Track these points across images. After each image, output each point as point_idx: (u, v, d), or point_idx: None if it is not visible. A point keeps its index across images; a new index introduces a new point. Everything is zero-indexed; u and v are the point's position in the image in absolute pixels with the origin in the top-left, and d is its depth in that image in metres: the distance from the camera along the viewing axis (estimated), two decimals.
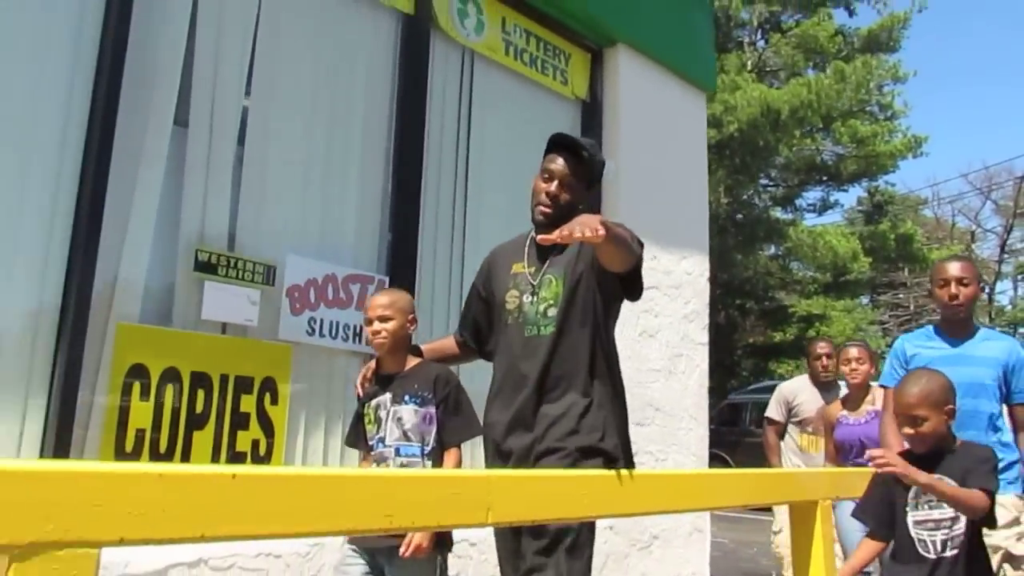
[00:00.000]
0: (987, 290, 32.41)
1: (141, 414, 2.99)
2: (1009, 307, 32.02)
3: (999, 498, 2.85)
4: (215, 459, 3.16)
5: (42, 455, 2.73)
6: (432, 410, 2.74)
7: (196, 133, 3.29)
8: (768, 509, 5.20)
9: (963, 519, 2.49)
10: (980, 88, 53.75)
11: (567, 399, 2.37)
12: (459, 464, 2.76)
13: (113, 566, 2.59)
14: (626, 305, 5.03)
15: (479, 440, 2.65)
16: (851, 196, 31.74)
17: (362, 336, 3.67)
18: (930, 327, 3.63)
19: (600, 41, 5.11)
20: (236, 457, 3.23)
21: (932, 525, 2.54)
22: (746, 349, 24.03)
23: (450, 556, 2.80)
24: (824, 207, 24.32)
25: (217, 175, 3.33)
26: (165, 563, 2.77)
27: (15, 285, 2.80)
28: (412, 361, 2.82)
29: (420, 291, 3.99)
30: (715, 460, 11.37)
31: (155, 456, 3.00)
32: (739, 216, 20.94)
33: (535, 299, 2.48)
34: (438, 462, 2.73)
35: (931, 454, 2.56)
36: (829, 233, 19.58)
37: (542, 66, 4.83)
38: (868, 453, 2.66)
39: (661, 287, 5.21)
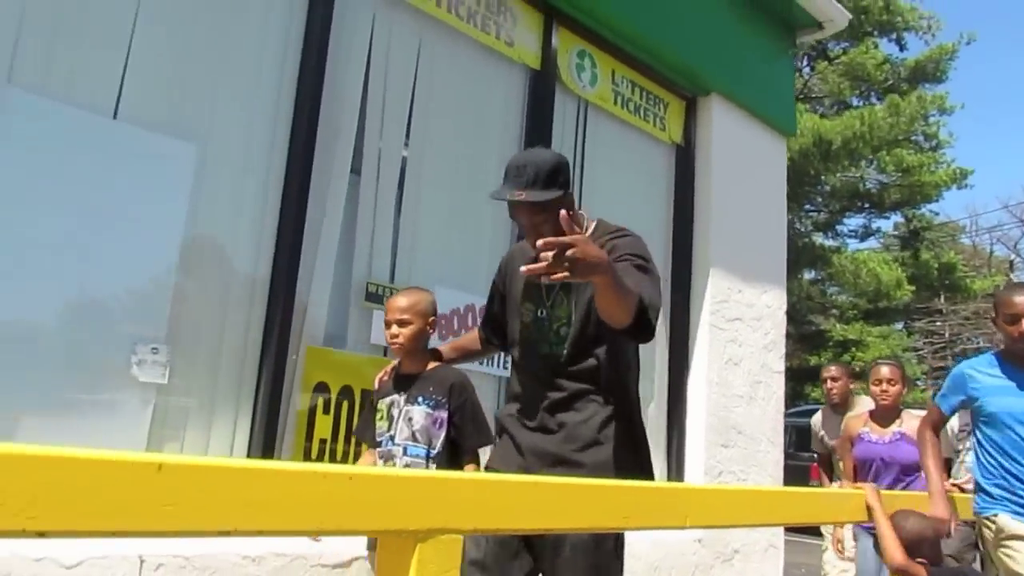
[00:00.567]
0: None
1: (323, 426, 3.44)
2: None
3: None
4: None
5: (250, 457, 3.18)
6: (443, 414, 2.75)
7: (366, 180, 3.75)
8: (815, 531, 5.46)
9: None
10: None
11: (587, 410, 2.33)
12: (479, 468, 2.73)
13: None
14: (714, 335, 5.41)
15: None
16: (891, 223, 31.89)
17: (498, 360, 4.10)
18: (992, 355, 3.55)
19: (695, 90, 5.54)
20: None
21: None
22: (784, 373, 24.13)
23: None
24: (866, 234, 24.49)
25: (382, 217, 3.78)
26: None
27: (231, 307, 3.26)
28: (431, 364, 2.82)
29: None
30: None
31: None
32: None
33: (549, 316, 2.43)
34: (443, 466, 2.72)
35: None
36: (873, 260, 19.76)
37: (644, 113, 5.26)
38: None
39: (744, 319, 5.60)
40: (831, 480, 5.28)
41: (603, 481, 1.85)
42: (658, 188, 5.41)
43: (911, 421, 4.20)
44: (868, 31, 21.50)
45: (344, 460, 3.49)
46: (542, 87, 4.55)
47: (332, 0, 3.58)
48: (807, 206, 22.62)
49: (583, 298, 2.35)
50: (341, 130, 3.64)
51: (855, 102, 22.10)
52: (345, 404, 3.51)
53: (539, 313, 2.44)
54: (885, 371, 4.35)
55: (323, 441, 3.43)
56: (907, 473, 4.15)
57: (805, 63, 23.64)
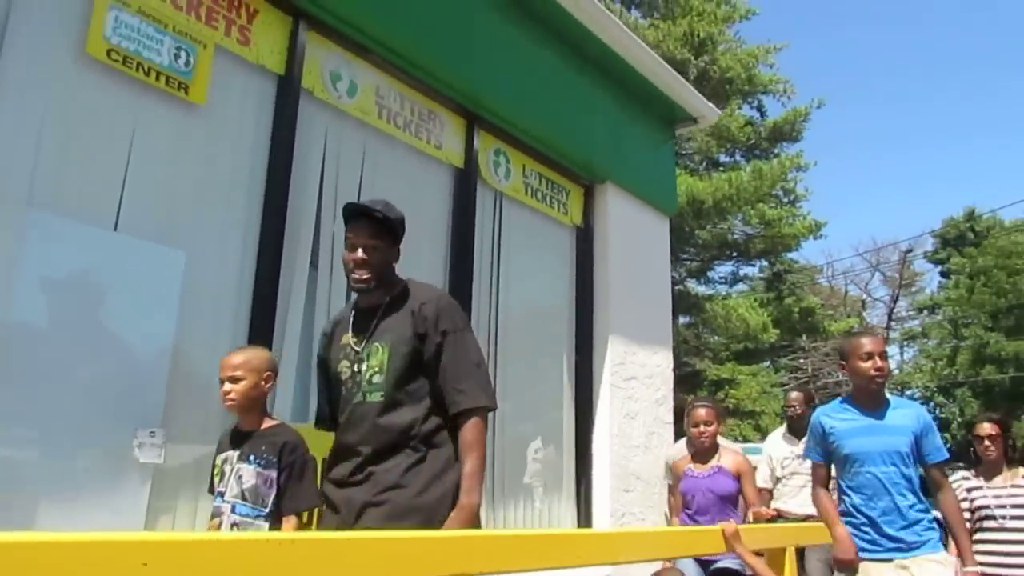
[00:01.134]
0: None
1: None
2: (896, 371, 34.61)
3: (936, 556, 3.35)
4: None
5: None
6: (274, 474, 2.71)
7: (322, 273, 4.28)
8: None
9: None
10: (873, 172, 58.48)
11: (395, 460, 2.41)
12: (297, 530, 2.71)
13: None
14: (614, 393, 6.14)
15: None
16: (756, 268, 34.26)
17: None
18: (840, 400, 3.72)
19: (592, 179, 6.33)
20: None
21: None
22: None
23: None
24: (735, 280, 26.34)
25: (336, 304, 4.31)
26: None
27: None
28: (269, 422, 2.84)
29: None
30: None
31: None
32: None
33: (363, 367, 2.52)
34: (275, 525, 2.70)
35: None
36: (741, 306, 21.31)
37: (549, 201, 5.99)
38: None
39: (639, 377, 6.37)
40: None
41: (392, 533, 1.89)
42: (562, 266, 6.14)
43: (728, 456, 4.69)
44: (732, 96, 23.39)
45: None
46: (465, 183, 5.20)
47: (294, 119, 4.13)
48: (682, 256, 24.18)
49: (398, 351, 2.49)
50: (301, 230, 4.17)
51: (722, 159, 23.95)
52: None
53: (354, 368, 2.56)
54: (702, 414, 4.69)
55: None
56: (727, 503, 4.56)
57: None
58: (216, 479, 2.82)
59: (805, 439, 4.32)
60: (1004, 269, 27.65)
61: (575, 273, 6.18)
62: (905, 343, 36.62)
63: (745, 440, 19.07)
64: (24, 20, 3.18)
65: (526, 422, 5.55)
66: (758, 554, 3.06)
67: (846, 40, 57.50)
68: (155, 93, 3.58)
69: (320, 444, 2.89)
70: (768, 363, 31.50)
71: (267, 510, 2.70)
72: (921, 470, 3.57)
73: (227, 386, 2.80)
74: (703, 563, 4.38)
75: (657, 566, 3.81)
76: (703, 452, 4.69)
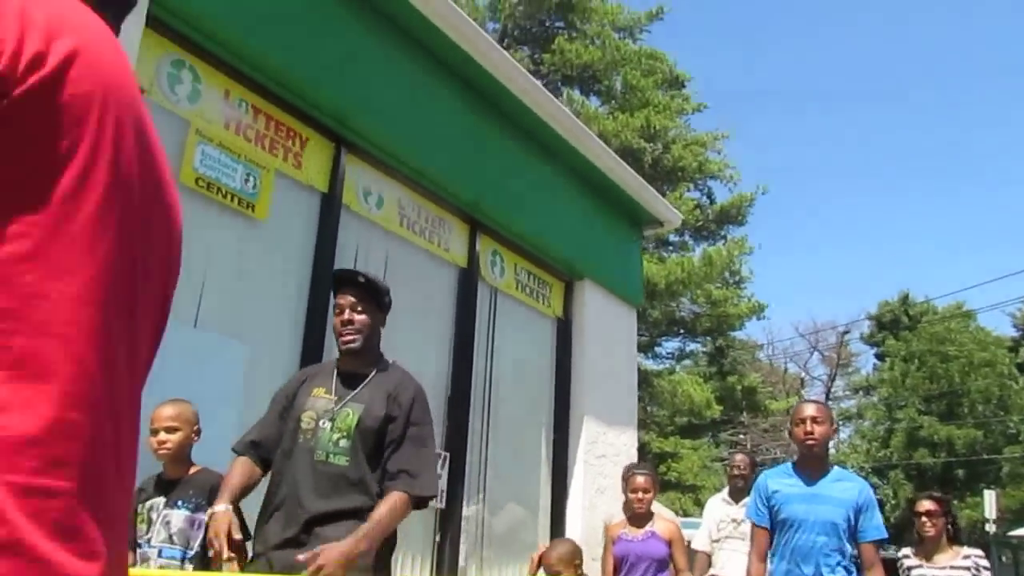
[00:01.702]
0: None
1: None
2: (833, 451, 35.56)
3: None
4: None
5: None
6: (202, 516, 2.76)
7: None
8: None
9: None
10: (814, 253, 61.24)
11: (346, 525, 2.43)
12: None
13: None
14: (587, 469, 6.79)
15: None
16: (701, 344, 35.47)
17: None
18: (789, 465, 3.77)
19: (572, 275, 7.13)
20: None
21: None
22: None
23: None
24: (682, 356, 27.35)
25: None
26: None
27: None
28: (193, 468, 2.96)
29: (472, 463, 5.67)
30: None
31: None
32: None
33: (327, 426, 2.55)
34: (199, 567, 2.77)
35: None
36: (687, 382, 22.22)
37: (535, 295, 6.76)
38: None
39: (608, 455, 7.08)
40: None
41: None
42: (545, 352, 6.88)
43: (661, 522, 4.80)
44: (680, 179, 24.77)
45: None
46: (468, 280, 5.94)
47: (335, 230, 4.84)
48: None
49: (366, 424, 2.56)
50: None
51: (672, 238, 25.22)
52: None
53: (319, 423, 2.59)
54: (641, 481, 4.75)
55: None
56: (659, 568, 4.66)
57: None
58: (142, 526, 2.89)
59: (745, 501, 4.45)
60: (937, 355, 28.81)
61: (555, 359, 6.91)
62: (841, 423, 37.77)
63: (686, 514, 19.63)
64: None
65: (508, 492, 6.19)
66: None
67: (790, 127, 60.63)
68: (229, 211, 4.27)
69: None
70: (709, 437, 32.43)
71: (192, 552, 2.82)
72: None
73: (163, 435, 2.91)
74: None
75: None
76: (638, 517, 4.79)
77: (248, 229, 4.40)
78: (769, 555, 3.70)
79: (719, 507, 5.72)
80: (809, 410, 3.66)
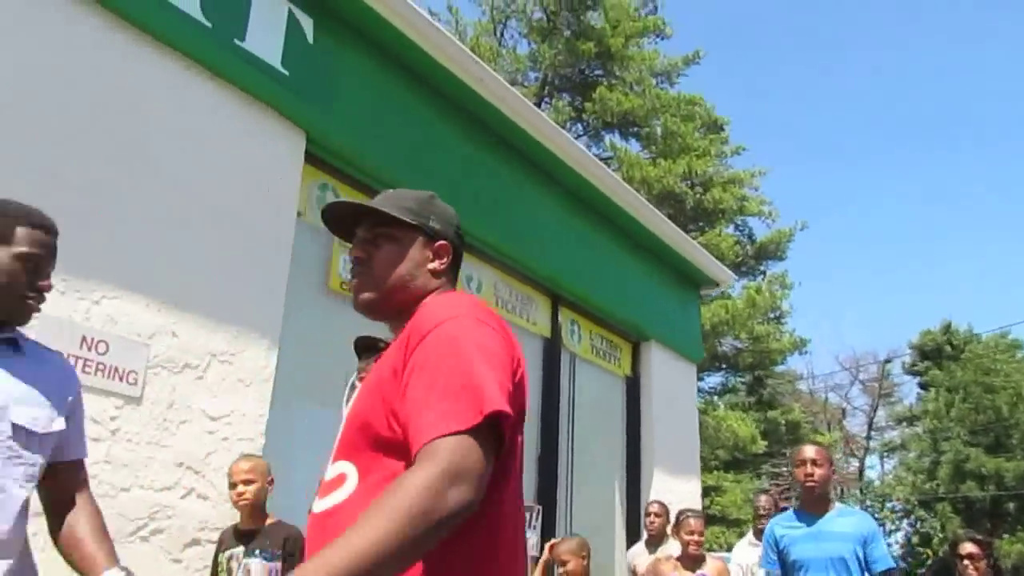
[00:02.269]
0: (857, 464, 36.10)
1: None
2: (877, 482, 35.16)
3: None
4: None
5: None
6: (278, 565, 2.96)
7: None
8: None
9: None
10: (853, 284, 61.12)
11: None
12: None
13: None
14: None
15: None
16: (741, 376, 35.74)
17: None
18: (791, 511, 3.88)
19: (639, 337, 7.80)
20: None
21: None
22: None
23: None
24: (724, 391, 27.74)
25: None
26: None
27: None
28: (270, 520, 3.15)
29: (560, 514, 6.32)
30: None
31: None
32: None
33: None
34: None
35: None
36: (731, 418, 22.64)
37: (608, 357, 7.44)
38: None
39: (674, 503, 7.67)
40: None
41: None
42: (616, 409, 7.54)
43: (713, 562, 4.95)
44: (718, 216, 25.39)
45: None
46: (551, 349, 6.64)
47: None
48: None
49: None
50: None
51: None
52: None
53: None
54: (694, 523, 4.86)
55: None
56: None
57: None
58: (223, 575, 3.12)
59: None
60: (982, 385, 28.36)
61: (626, 416, 7.56)
62: (885, 454, 37.47)
63: (729, 548, 19.73)
64: (296, 270, 4.62)
65: (591, 540, 6.82)
66: None
67: (825, 163, 60.85)
68: None
69: None
70: (751, 471, 32.52)
71: None
72: None
73: (241, 488, 3.13)
74: None
75: None
76: (691, 559, 4.90)
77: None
78: None
79: (746, 551, 5.77)
80: (809, 452, 3.76)
